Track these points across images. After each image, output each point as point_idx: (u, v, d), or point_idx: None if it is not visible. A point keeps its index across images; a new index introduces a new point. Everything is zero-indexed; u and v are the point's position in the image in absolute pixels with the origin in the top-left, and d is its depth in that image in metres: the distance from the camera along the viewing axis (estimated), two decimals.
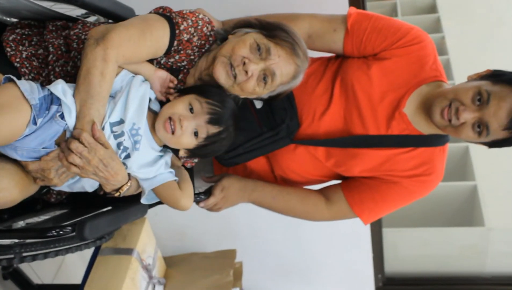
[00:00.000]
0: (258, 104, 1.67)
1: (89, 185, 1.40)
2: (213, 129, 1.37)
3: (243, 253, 2.69)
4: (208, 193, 1.75)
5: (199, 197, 1.73)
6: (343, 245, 2.92)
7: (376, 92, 1.63)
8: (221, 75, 1.42)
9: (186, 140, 1.37)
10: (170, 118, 1.34)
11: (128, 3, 1.55)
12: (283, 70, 1.44)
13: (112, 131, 1.32)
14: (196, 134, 1.36)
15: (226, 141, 1.43)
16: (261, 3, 1.90)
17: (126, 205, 1.49)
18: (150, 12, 1.48)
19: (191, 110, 1.36)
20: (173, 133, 1.34)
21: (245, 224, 2.91)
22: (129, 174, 1.37)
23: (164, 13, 1.45)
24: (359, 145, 1.65)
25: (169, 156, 1.46)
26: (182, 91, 1.44)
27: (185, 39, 1.44)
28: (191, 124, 1.35)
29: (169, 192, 1.42)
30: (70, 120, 1.25)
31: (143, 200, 1.42)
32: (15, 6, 1.42)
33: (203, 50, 1.51)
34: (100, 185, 1.38)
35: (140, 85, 1.38)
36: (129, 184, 1.36)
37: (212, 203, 1.75)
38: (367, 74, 1.63)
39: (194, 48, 1.48)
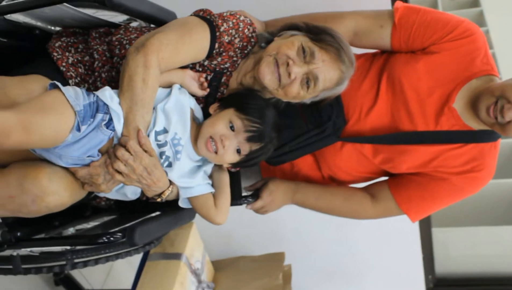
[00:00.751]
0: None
1: (131, 191, 1.40)
2: (255, 146, 1.37)
3: (291, 256, 2.67)
4: (255, 196, 1.74)
5: (246, 200, 1.72)
6: (391, 245, 2.86)
7: (424, 87, 1.58)
8: (266, 76, 1.40)
9: (229, 157, 1.37)
10: (211, 137, 1.34)
11: (169, 7, 1.56)
12: (327, 75, 1.42)
13: (156, 140, 1.32)
14: (238, 151, 1.36)
15: (270, 150, 1.43)
16: (302, 3, 1.87)
17: (174, 210, 1.50)
18: (190, 15, 1.47)
19: (232, 127, 1.35)
20: (216, 152, 1.35)
21: (291, 226, 2.88)
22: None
23: (204, 15, 1.44)
24: (408, 142, 1.61)
25: (209, 166, 1.46)
26: (222, 102, 1.43)
27: (226, 41, 1.43)
28: (233, 143, 1.35)
29: (203, 205, 1.43)
30: (119, 126, 1.26)
31: (180, 203, 1.42)
32: (59, 15, 1.44)
33: (246, 52, 1.50)
34: (142, 191, 1.39)
35: (179, 94, 1.38)
36: (170, 189, 1.37)
37: (259, 206, 1.74)
38: (414, 69, 1.58)
39: (236, 50, 1.47)
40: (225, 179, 1.49)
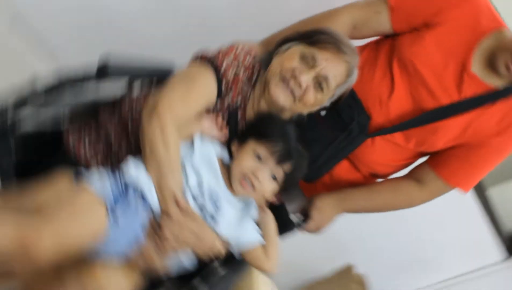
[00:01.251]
0: (322, 112, 1.63)
1: (188, 262, 1.37)
2: (287, 166, 1.35)
3: (359, 262, 2.63)
4: (305, 218, 1.72)
5: (298, 225, 1.70)
6: (454, 221, 2.79)
7: (437, 61, 1.56)
8: (279, 96, 1.40)
9: (268, 188, 1.36)
10: (244, 176, 1.33)
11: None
12: (335, 71, 1.41)
13: (193, 197, 1.30)
14: (274, 178, 1.35)
15: (304, 166, 1.41)
16: (292, 11, 1.85)
17: (231, 264, 1.46)
18: (189, 64, 1.47)
19: (259, 157, 1.34)
20: (253, 188, 1.34)
21: (348, 233, 2.84)
22: None
23: (202, 59, 1.44)
24: (435, 119, 1.57)
25: (253, 207, 1.42)
26: (240, 137, 1.41)
27: (231, 76, 1.43)
28: (266, 172, 1.34)
29: (256, 257, 1.39)
30: (152, 197, 1.24)
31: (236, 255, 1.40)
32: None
33: (253, 81, 1.49)
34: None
35: (201, 144, 1.37)
36: (223, 246, 1.34)
37: (313, 226, 1.72)
38: (423, 47, 1.56)
39: (244, 82, 1.46)
40: (271, 224, 1.45)
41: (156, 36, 2.11)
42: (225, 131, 1.44)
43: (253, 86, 1.49)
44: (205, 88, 1.39)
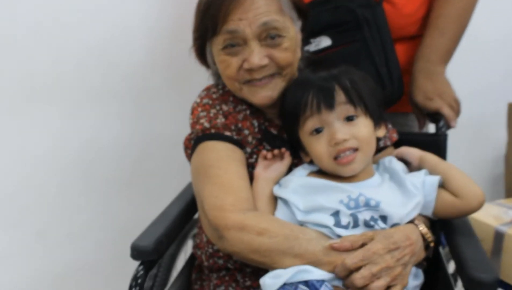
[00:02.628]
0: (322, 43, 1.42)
1: (414, 279, 1.06)
2: (340, 97, 1.06)
3: None
4: (437, 116, 1.42)
5: (446, 127, 1.39)
6: None
7: None
8: (261, 100, 1.18)
9: (361, 131, 1.06)
10: (334, 158, 1.06)
11: None
12: (263, 9, 1.11)
13: (340, 226, 1.01)
14: (350, 118, 1.06)
15: (355, 75, 1.11)
16: None
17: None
18: (191, 161, 1.20)
19: (319, 129, 1.07)
20: (355, 151, 1.05)
21: None
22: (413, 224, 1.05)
23: (197, 139, 1.19)
24: None
25: (392, 164, 1.14)
26: (293, 142, 1.18)
27: (221, 120, 1.20)
28: (338, 126, 1.05)
29: (447, 205, 1.09)
30: (316, 275, 0.96)
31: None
32: None
33: (239, 108, 1.25)
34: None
35: (290, 193, 1.08)
36: (424, 231, 1.04)
37: (452, 114, 1.43)
38: None
39: (233, 108, 1.24)
40: (428, 156, 1.15)
41: None
42: (283, 152, 1.20)
43: (242, 102, 1.25)
44: (224, 161, 1.13)
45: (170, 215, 1.24)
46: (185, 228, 1.50)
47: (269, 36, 1.12)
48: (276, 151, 1.19)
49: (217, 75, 1.29)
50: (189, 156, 1.22)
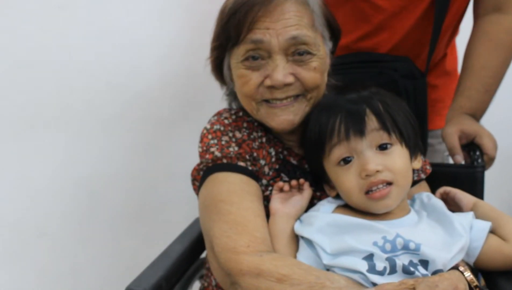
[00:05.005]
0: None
1: None
2: (376, 116, 0.97)
3: None
4: (474, 153, 1.34)
5: (483, 166, 1.31)
6: None
7: None
8: (280, 125, 1.07)
9: (396, 163, 0.95)
10: (365, 193, 0.96)
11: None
12: (293, 22, 1.01)
13: (376, 272, 0.89)
14: (385, 147, 0.96)
15: (388, 98, 1.01)
16: None
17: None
18: (199, 194, 1.09)
19: (348, 158, 0.97)
20: (388, 185, 0.95)
21: None
22: (458, 270, 0.93)
23: (206, 170, 1.07)
24: None
25: (430, 201, 1.04)
26: (315, 173, 1.07)
27: (245, 149, 1.08)
28: (370, 156, 0.95)
29: (494, 250, 0.98)
30: None
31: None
32: None
33: (254, 135, 1.14)
34: None
35: (313, 232, 0.97)
36: (465, 273, 0.92)
37: (492, 150, 1.35)
38: None
39: (247, 136, 1.12)
40: (467, 197, 1.07)
41: None
42: (301, 183, 1.08)
43: (257, 128, 1.15)
44: (237, 195, 1.00)
45: (172, 254, 1.13)
46: (190, 269, 1.37)
47: (297, 52, 1.03)
48: (293, 182, 1.07)
49: (232, 95, 1.19)
50: (197, 189, 1.09)
